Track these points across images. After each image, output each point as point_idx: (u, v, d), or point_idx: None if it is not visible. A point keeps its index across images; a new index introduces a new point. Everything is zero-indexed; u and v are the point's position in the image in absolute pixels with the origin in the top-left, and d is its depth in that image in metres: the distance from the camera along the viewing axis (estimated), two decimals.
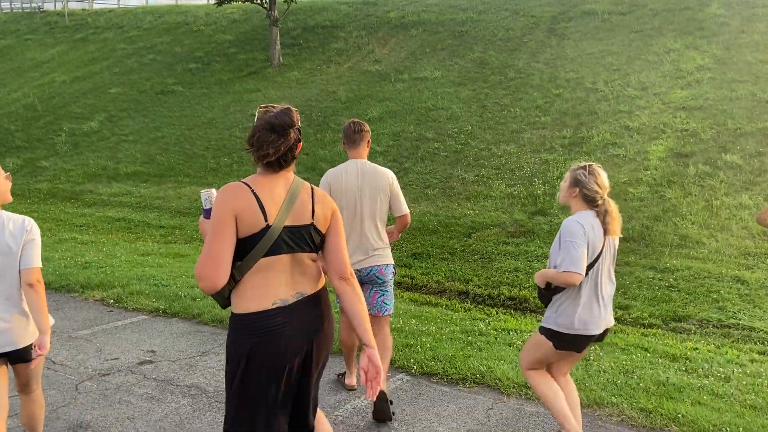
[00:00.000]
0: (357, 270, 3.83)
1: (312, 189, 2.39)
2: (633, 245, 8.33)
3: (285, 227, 2.26)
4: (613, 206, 3.25)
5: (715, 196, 9.25)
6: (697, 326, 6.20)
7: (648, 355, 5.17)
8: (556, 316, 3.28)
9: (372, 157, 14.04)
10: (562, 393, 3.35)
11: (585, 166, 3.28)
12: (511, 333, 5.63)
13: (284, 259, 2.27)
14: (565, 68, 15.27)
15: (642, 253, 8.08)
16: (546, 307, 3.37)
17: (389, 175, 3.98)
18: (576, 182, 3.25)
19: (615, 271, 3.36)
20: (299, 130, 2.29)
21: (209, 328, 5.69)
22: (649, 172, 10.28)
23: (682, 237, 8.35)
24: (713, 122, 11.52)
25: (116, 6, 32.46)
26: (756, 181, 9.58)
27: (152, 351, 5.09)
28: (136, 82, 21.24)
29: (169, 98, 19.48)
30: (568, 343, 3.28)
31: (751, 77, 12.99)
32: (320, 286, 2.40)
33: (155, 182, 13.93)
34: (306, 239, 2.32)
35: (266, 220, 2.22)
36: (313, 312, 2.34)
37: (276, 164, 2.28)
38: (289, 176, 2.35)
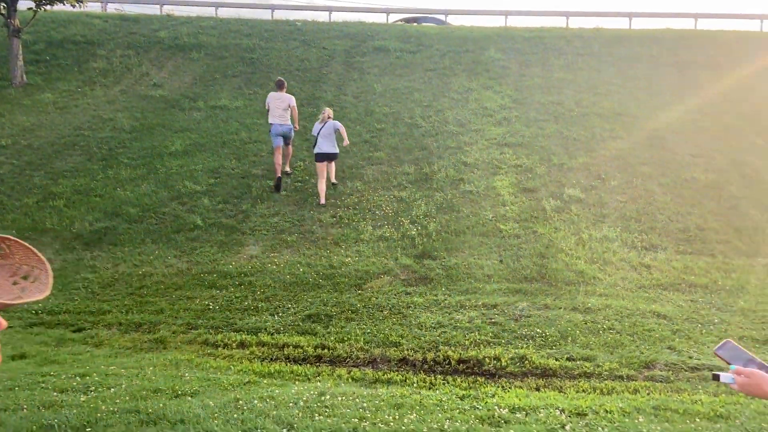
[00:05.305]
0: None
1: None
2: (539, 285, 8.04)
3: None
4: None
5: (581, 230, 9.55)
6: (668, 370, 6.01)
7: (685, 419, 4.68)
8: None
9: (196, 198, 11.79)
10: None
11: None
12: (540, 411, 4.69)
13: None
14: (377, 102, 14.95)
15: (553, 294, 7.82)
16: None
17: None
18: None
19: None
20: None
21: None
22: (508, 208, 10.28)
23: (578, 273, 8.33)
24: (539, 158, 12.13)
25: None
26: (605, 213, 10.17)
27: None
28: None
29: None
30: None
31: (550, 117, 14.14)
32: None
33: None
34: None
35: None
36: None
37: None
38: None
